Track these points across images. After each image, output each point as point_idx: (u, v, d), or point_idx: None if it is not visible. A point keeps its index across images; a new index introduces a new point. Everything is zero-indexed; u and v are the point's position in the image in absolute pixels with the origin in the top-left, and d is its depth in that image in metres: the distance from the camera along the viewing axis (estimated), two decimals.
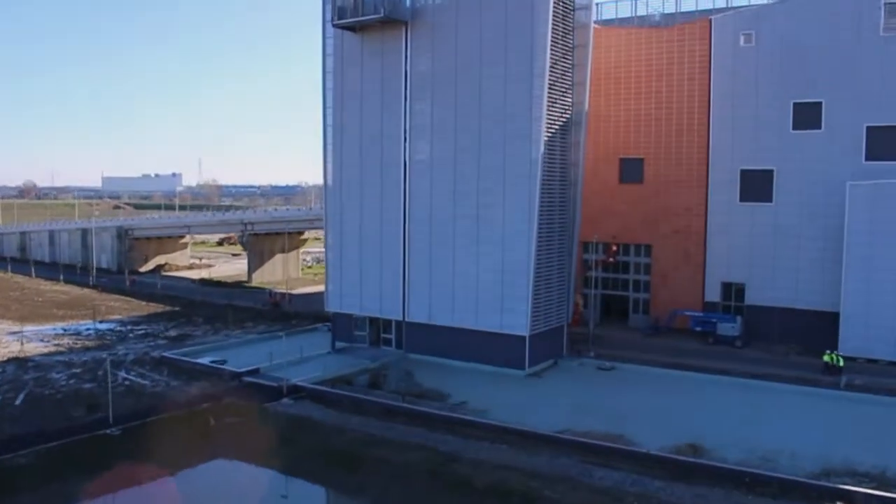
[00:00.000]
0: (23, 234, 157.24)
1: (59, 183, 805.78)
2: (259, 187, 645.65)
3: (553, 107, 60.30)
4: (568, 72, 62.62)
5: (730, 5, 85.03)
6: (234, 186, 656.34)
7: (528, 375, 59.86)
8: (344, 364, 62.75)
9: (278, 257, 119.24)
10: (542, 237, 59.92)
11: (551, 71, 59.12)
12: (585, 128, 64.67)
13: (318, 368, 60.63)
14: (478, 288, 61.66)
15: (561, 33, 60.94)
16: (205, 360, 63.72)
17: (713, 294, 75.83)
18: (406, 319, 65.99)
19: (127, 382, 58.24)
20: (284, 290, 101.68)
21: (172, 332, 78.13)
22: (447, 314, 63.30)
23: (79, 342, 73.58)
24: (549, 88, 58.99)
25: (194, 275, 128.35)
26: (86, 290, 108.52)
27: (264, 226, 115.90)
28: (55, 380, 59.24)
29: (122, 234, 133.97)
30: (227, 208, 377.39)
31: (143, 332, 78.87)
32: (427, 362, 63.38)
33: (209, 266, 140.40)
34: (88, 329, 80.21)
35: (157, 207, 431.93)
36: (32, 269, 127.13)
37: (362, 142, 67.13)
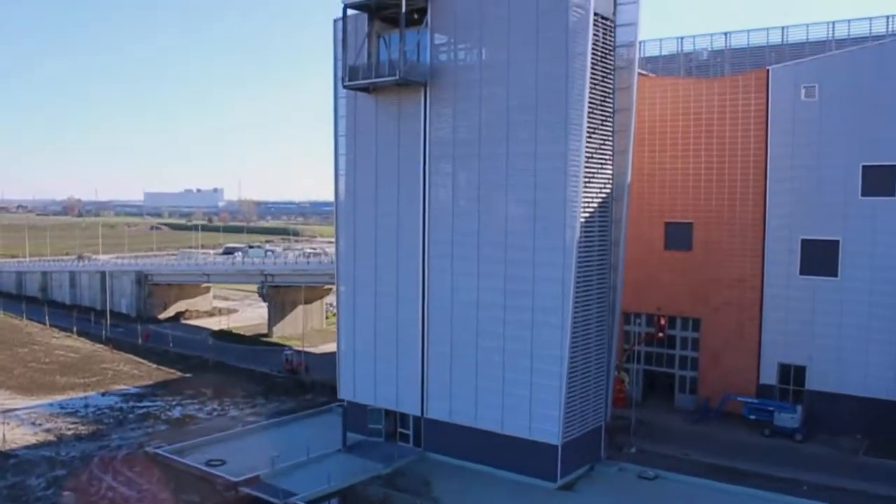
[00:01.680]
0: (44, 273, 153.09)
1: (102, 197, 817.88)
2: (297, 203, 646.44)
3: (591, 182, 53.07)
4: (608, 139, 55.34)
5: (785, 41, 77.64)
6: (273, 203, 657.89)
7: (559, 488, 52.49)
8: (354, 468, 55.74)
9: (300, 308, 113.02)
10: (578, 329, 52.68)
11: (588, 140, 51.93)
12: (628, 203, 57.27)
13: (324, 474, 53.62)
14: (503, 383, 54.50)
15: (600, 97, 53.77)
16: (200, 461, 57.10)
17: (769, 376, 67.89)
18: (425, 415, 58.92)
19: (110, 494, 51.83)
20: (302, 348, 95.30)
21: (176, 412, 71.95)
22: (469, 412, 56.22)
23: (72, 426, 67.54)
24: (587, 162, 51.79)
25: (214, 323, 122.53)
26: (97, 347, 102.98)
27: (284, 278, 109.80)
28: (31, 488, 53.07)
29: (141, 279, 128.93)
30: (263, 231, 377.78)
31: (144, 410, 72.73)
32: (448, 465, 56.48)
33: (231, 312, 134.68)
34: (88, 406, 74.27)
35: (195, 228, 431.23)
36: (47, 317, 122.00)
37: (377, 212, 60.55)
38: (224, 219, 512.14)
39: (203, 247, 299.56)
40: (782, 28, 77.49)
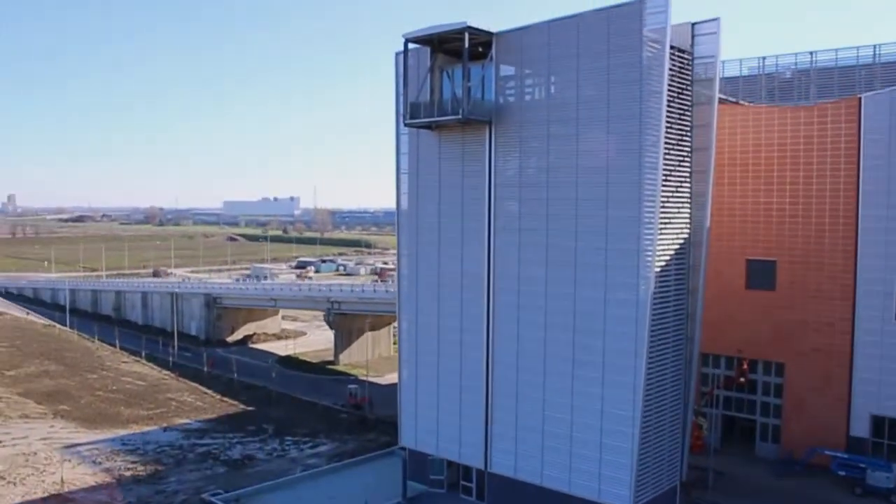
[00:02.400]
0: (118, 293, 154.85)
1: (182, 205, 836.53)
2: (372, 212, 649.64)
3: (667, 228, 49.47)
4: (685, 181, 51.68)
5: (878, 60, 72.65)
6: (348, 212, 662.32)
7: None
8: None
9: (367, 335, 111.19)
10: (652, 387, 49.06)
11: (665, 184, 48.38)
12: (707, 248, 53.42)
13: None
14: (571, 441, 51.13)
15: (677, 136, 50.21)
16: None
17: (860, 428, 62.95)
18: (489, 469, 55.92)
19: None
20: (367, 378, 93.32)
21: (236, 452, 70.39)
22: (535, 469, 53.01)
23: (132, 466, 66.53)
24: (662, 207, 48.23)
25: (281, 347, 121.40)
26: (164, 374, 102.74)
27: (351, 305, 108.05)
28: None
29: (210, 302, 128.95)
30: (338, 243, 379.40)
31: (204, 449, 71.33)
32: None
33: (299, 335, 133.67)
34: (149, 442, 73.25)
35: (269, 240, 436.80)
36: (118, 339, 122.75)
37: (440, 255, 57.89)
38: (299, 229, 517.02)
39: (276, 259, 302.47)
40: (874, 46, 72.53)
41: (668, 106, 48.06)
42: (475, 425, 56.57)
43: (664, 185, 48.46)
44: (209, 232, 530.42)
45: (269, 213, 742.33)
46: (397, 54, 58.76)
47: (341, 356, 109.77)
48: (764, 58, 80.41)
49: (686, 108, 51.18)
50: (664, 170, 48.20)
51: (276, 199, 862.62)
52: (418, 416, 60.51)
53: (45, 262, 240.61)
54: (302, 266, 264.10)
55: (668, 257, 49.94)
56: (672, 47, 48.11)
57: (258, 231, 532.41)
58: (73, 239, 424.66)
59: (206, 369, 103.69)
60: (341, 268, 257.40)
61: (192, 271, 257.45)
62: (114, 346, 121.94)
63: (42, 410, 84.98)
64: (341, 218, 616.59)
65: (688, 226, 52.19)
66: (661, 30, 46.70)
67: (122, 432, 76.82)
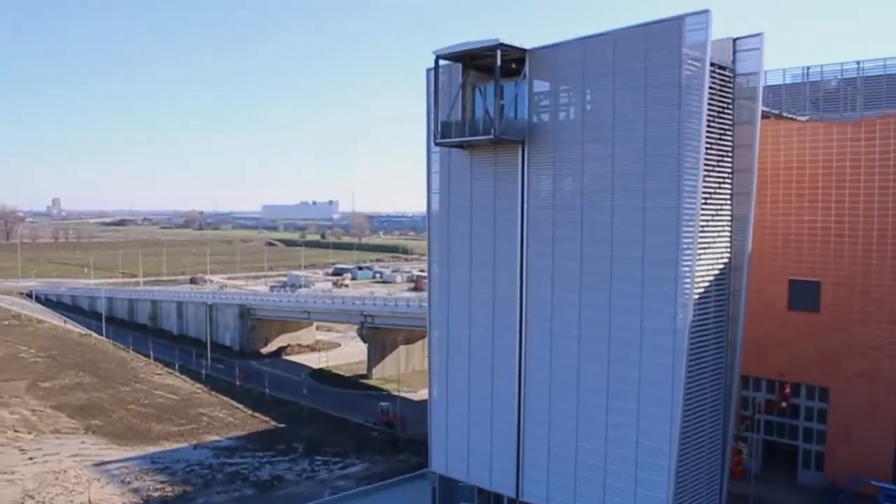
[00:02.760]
0: (154, 302, 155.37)
1: (222, 208, 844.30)
2: (410, 217, 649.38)
3: (706, 253, 47.54)
4: (726, 204, 49.64)
5: None
6: (386, 216, 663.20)
7: None
8: None
9: (401, 349, 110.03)
10: (689, 419, 47.12)
11: (704, 208, 46.45)
12: (748, 272, 51.32)
13: None
14: (605, 474, 49.32)
15: (717, 157, 48.21)
16: None
17: None
18: (520, 498, 54.28)
19: None
20: (399, 393, 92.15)
21: (265, 473, 69.54)
22: (567, 499, 51.29)
23: (160, 486, 66.03)
24: (702, 231, 46.34)
25: (315, 360, 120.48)
26: (196, 388, 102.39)
27: (384, 319, 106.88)
28: None
29: (244, 313, 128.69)
30: (375, 249, 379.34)
31: (234, 468, 70.61)
32: None
33: (333, 347, 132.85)
34: (179, 461, 72.62)
35: (307, 245, 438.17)
36: (152, 350, 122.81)
37: (472, 278, 56.38)
38: (337, 234, 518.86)
39: (313, 265, 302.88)
40: None
41: (708, 126, 46.12)
42: (506, 452, 54.96)
43: (704, 209, 46.55)
44: (247, 237, 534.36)
45: (307, 216, 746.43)
46: (428, 70, 57.34)
47: (374, 370, 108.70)
48: (808, 67, 77.87)
49: (727, 127, 49.18)
50: (704, 193, 46.31)
51: (314, 202, 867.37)
52: (448, 441, 59.06)
53: (85, 269, 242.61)
54: (338, 273, 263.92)
55: (707, 283, 47.99)
56: (712, 64, 46.19)
57: (296, 236, 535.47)
58: (113, 244, 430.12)
59: (238, 383, 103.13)
60: (378, 275, 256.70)
61: (230, 278, 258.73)
62: (148, 356, 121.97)
63: (74, 425, 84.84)
64: (379, 222, 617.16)
65: (728, 250, 50.15)
66: (701, 47, 44.84)
67: (152, 449, 76.30)
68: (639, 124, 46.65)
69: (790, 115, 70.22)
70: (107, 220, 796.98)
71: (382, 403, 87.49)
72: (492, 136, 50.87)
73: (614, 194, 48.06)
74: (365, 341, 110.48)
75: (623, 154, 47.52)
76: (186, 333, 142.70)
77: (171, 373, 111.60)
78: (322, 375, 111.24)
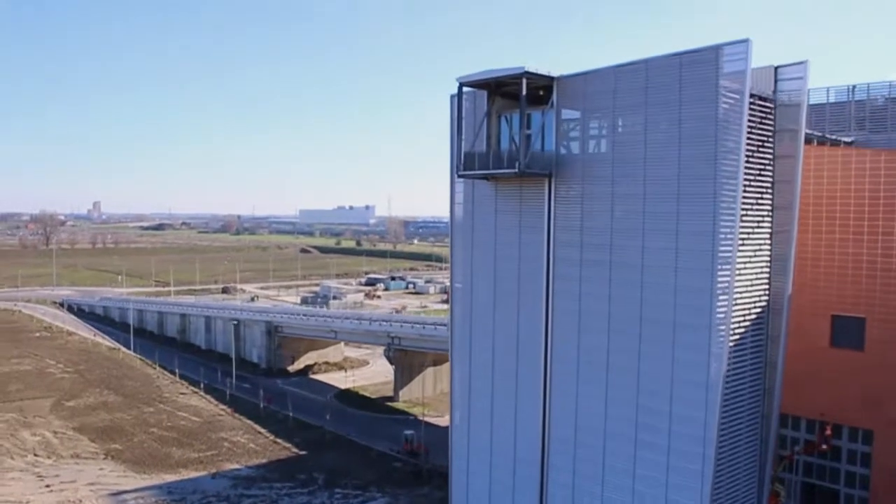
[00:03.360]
0: (183, 316, 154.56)
1: (259, 212, 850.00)
2: (446, 222, 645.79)
3: (742, 298, 44.63)
4: (765, 244, 46.68)
5: None
6: (422, 221, 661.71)
7: None
8: None
9: (429, 371, 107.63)
10: (722, 475, 44.41)
11: (741, 249, 43.64)
12: (787, 316, 48.29)
13: None
14: None
15: (755, 196, 45.30)
16: None
17: None
18: None
19: None
20: (425, 417, 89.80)
21: None
22: None
23: None
24: (738, 275, 43.47)
25: (342, 379, 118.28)
26: (220, 409, 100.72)
27: (411, 342, 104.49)
28: None
29: (271, 330, 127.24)
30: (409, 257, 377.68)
31: (251, 501, 68.60)
32: None
33: (362, 365, 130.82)
34: (196, 491, 70.77)
35: (343, 252, 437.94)
36: (178, 367, 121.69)
37: (495, 318, 53.95)
38: (372, 240, 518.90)
39: (346, 274, 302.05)
40: None
41: (747, 162, 43.31)
42: (530, 499, 52.32)
43: (741, 251, 43.74)
44: (283, 242, 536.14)
45: (344, 221, 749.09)
46: (452, 97, 54.95)
47: (401, 392, 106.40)
48: (854, 86, 74.39)
49: (766, 163, 46.22)
50: (741, 233, 43.50)
51: (351, 207, 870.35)
52: (469, 485, 56.64)
53: (119, 277, 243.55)
54: (371, 283, 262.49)
55: (743, 330, 45.04)
56: (752, 95, 43.36)
57: (332, 242, 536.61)
58: (149, 250, 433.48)
59: (262, 405, 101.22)
60: (410, 285, 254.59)
61: (262, 287, 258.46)
62: (174, 374, 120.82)
63: (94, 449, 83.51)
64: (415, 228, 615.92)
65: (766, 292, 47.16)
66: (740, 79, 41.96)
67: (169, 478, 74.54)
68: (672, 161, 43.85)
69: (834, 137, 66.90)
70: (145, 224, 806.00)
71: (407, 432, 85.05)
72: (516, 170, 48.33)
73: (645, 234, 45.32)
74: (392, 363, 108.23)
75: (655, 192, 44.75)
76: (214, 348, 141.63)
77: (196, 392, 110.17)
78: (348, 397, 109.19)
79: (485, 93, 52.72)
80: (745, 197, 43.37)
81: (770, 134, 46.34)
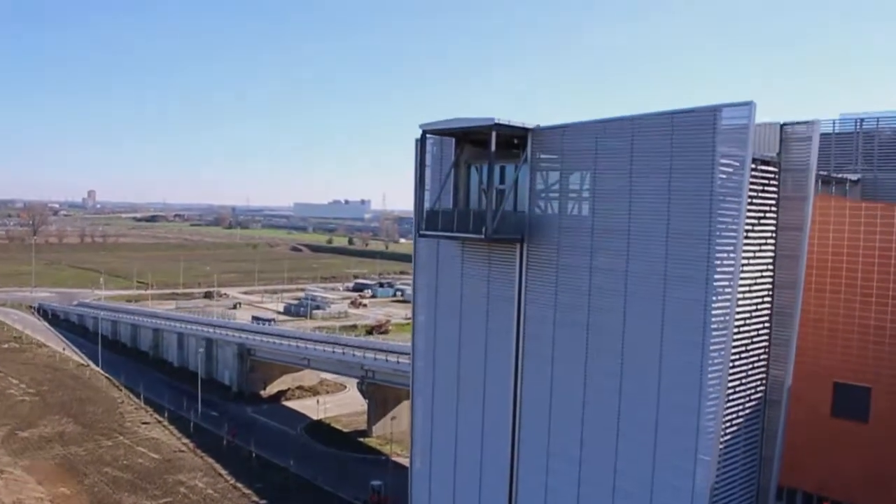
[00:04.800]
0: (156, 331, 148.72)
1: (254, 203, 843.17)
2: None
3: (736, 393, 39.09)
4: (763, 328, 41.13)
5: None
6: None
7: None
8: None
9: (404, 404, 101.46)
10: None
11: (736, 339, 38.03)
12: (786, 409, 42.77)
13: None
14: None
15: (754, 275, 39.70)
16: None
17: None
18: None
19: None
20: (398, 456, 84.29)
21: None
22: None
23: None
24: (732, 366, 37.85)
25: (315, 408, 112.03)
26: (182, 444, 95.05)
27: (385, 377, 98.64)
28: None
29: (243, 353, 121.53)
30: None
31: None
32: None
33: (339, 390, 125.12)
34: None
35: (334, 251, 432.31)
36: (144, 390, 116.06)
37: (459, 400, 48.28)
38: (364, 238, 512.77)
39: (334, 278, 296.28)
40: None
41: (746, 238, 37.60)
42: None
43: (735, 340, 38.06)
44: (274, 239, 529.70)
45: (339, 216, 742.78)
46: (417, 141, 49.05)
47: (375, 427, 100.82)
48: (861, 119, 68.68)
49: (768, 236, 40.59)
50: (737, 321, 37.82)
51: (346, 201, 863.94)
52: None
53: (101, 279, 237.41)
54: (359, 289, 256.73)
55: (735, 429, 39.47)
56: (754, 160, 37.61)
57: (324, 238, 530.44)
58: (138, 246, 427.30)
59: (226, 441, 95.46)
60: (399, 293, 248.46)
61: (247, 291, 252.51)
62: (139, 396, 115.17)
63: (40, 495, 77.78)
64: (409, 224, 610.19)
65: (762, 383, 41.59)
66: (741, 143, 36.13)
67: None
68: (659, 237, 38.03)
69: (840, 176, 61.20)
70: (138, 215, 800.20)
71: (374, 482, 79.35)
72: (482, 237, 42.49)
73: (626, 318, 39.54)
74: (365, 397, 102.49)
75: (638, 271, 38.92)
76: (187, 366, 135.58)
77: (160, 421, 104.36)
78: (319, 430, 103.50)
79: (452, 140, 46.95)
80: (742, 278, 37.75)
81: (773, 203, 40.68)
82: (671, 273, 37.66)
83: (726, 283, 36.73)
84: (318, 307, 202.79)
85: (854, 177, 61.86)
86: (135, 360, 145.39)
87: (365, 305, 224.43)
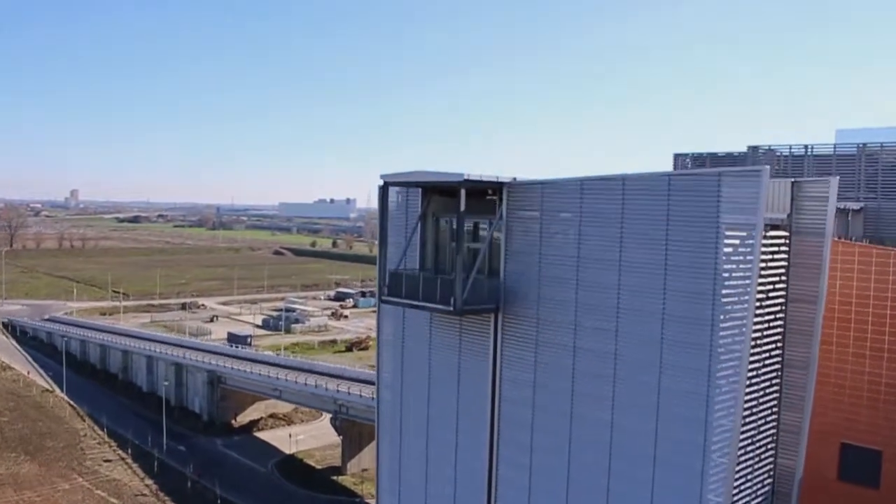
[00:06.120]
0: (125, 353, 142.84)
1: (238, 202, 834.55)
2: None
3: (741, 490, 33.95)
4: (771, 414, 36.12)
5: None
6: None
7: None
8: None
9: None
10: None
11: (744, 429, 32.91)
12: (797, 500, 37.66)
13: None
14: None
15: (763, 354, 34.72)
16: None
17: None
18: None
19: None
20: (372, 499, 78.91)
21: None
22: None
23: None
24: (738, 463, 32.77)
25: (287, 440, 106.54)
26: (144, 486, 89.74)
27: (359, 412, 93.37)
28: None
29: (214, 380, 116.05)
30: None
31: None
32: None
33: (315, 419, 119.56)
34: None
35: (317, 255, 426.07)
36: (109, 421, 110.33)
37: (427, 472, 42.84)
38: (349, 241, 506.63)
39: (316, 286, 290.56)
40: None
41: (756, 310, 32.40)
42: None
43: (743, 431, 32.98)
44: (257, 241, 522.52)
45: (324, 215, 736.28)
46: (380, 188, 43.43)
47: (350, 464, 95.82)
48: (864, 144, 63.74)
49: (778, 309, 35.50)
50: (744, 410, 32.70)
51: (332, 200, 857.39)
52: None
53: (75, 290, 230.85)
54: (340, 298, 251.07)
55: None
56: (765, 226, 32.39)
57: (308, 240, 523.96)
58: (117, 251, 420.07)
59: (190, 481, 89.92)
60: None
61: (225, 302, 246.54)
62: (101, 426, 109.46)
63: None
64: None
65: (769, 474, 36.52)
66: (750, 212, 30.87)
67: None
68: (654, 318, 32.76)
69: (842, 206, 56.15)
70: (121, 215, 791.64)
71: None
72: (451, 308, 37.11)
73: (615, 408, 34.32)
74: (339, 434, 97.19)
75: (629, 356, 33.72)
76: (156, 392, 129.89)
77: (123, 458, 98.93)
78: (291, 466, 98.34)
79: (419, 189, 41.68)
80: (751, 362, 32.65)
81: (783, 272, 35.57)
82: (668, 361, 32.44)
83: (731, 373, 31.58)
84: (297, 320, 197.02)
85: (856, 206, 57.03)
86: (102, 383, 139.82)
87: (346, 317, 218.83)
